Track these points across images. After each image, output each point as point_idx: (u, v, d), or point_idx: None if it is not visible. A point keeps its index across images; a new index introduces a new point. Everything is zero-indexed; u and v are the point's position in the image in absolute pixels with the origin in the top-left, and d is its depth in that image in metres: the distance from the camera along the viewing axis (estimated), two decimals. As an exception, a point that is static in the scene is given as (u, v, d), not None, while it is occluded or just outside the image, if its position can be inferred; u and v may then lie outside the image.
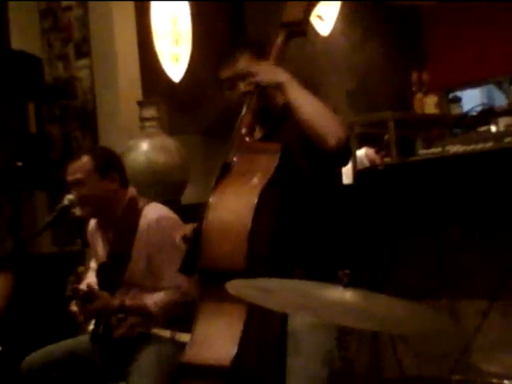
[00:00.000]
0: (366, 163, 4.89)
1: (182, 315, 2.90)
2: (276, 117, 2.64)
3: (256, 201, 2.35)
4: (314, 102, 2.47)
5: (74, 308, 2.99)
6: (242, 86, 2.63)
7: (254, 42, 2.80)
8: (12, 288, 3.64)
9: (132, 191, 3.12)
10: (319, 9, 4.93)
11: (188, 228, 2.54)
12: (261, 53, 2.67)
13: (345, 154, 2.49)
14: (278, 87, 2.51)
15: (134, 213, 3.03)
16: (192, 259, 2.45)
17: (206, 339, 2.36)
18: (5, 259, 3.57)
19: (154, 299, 2.93)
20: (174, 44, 4.78)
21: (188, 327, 2.41)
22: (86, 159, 3.01)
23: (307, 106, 2.46)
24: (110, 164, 3.05)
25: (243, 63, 2.65)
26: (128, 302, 2.92)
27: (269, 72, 2.55)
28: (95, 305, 2.87)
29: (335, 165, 2.59)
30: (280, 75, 2.52)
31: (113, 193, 3.02)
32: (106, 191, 3.00)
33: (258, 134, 2.70)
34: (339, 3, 5.30)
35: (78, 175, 2.99)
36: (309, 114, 2.44)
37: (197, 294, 2.61)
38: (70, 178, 3.01)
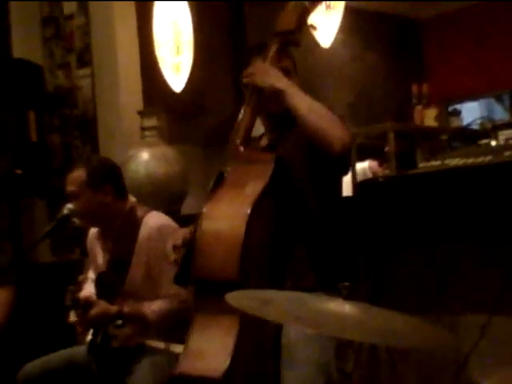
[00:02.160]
0: (369, 175, 4.89)
1: (179, 324, 2.90)
2: (284, 124, 2.63)
3: (249, 211, 2.34)
4: (317, 107, 2.46)
5: (72, 318, 2.99)
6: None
7: None
8: (13, 302, 3.64)
9: (132, 201, 3.12)
10: (315, 18, 4.94)
11: (181, 234, 2.53)
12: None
13: (348, 159, 2.50)
14: (278, 94, 2.50)
15: (134, 222, 3.03)
16: (186, 269, 2.44)
17: (199, 350, 2.35)
18: (4, 269, 3.57)
19: (152, 307, 2.94)
20: (176, 53, 4.79)
21: (184, 337, 2.41)
22: (79, 172, 3.02)
23: (311, 112, 2.44)
24: (104, 177, 3.03)
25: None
26: (126, 309, 2.93)
27: (265, 76, 2.54)
28: (93, 312, 2.87)
29: (337, 171, 2.58)
30: (279, 81, 2.51)
31: (107, 205, 3.02)
32: (99, 204, 3.00)
33: (264, 141, 2.71)
34: (341, 13, 5.30)
35: (73, 188, 3.01)
36: (313, 121, 2.42)
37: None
38: (67, 189, 3.03)
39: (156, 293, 2.96)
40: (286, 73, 2.60)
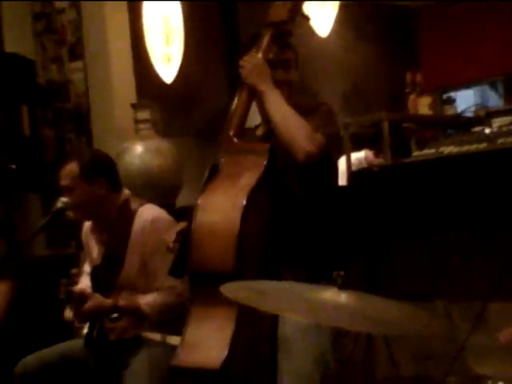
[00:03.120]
0: (365, 166, 4.88)
1: (175, 316, 2.90)
2: None
3: (244, 202, 2.34)
4: (290, 116, 2.50)
5: (68, 315, 2.99)
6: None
7: None
8: (12, 296, 3.64)
9: (126, 193, 3.11)
10: (312, 8, 4.93)
11: (180, 226, 2.53)
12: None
13: (319, 163, 2.50)
14: (257, 94, 2.55)
15: (129, 214, 3.02)
16: (181, 261, 2.44)
17: (197, 342, 2.35)
18: (1, 264, 3.57)
19: (147, 300, 2.93)
20: (166, 44, 4.77)
21: (180, 329, 2.41)
22: (72, 166, 3.01)
23: (282, 120, 2.50)
24: (97, 169, 3.02)
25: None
26: (121, 302, 2.92)
27: (252, 73, 2.56)
28: (88, 305, 2.87)
29: (313, 171, 2.57)
30: (262, 83, 2.54)
31: (102, 198, 3.01)
32: (94, 197, 2.99)
33: (260, 131, 2.71)
34: (337, 4, 5.29)
35: (66, 182, 3.00)
36: (282, 129, 2.49)
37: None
38: (61, 183, 3.02)
39: (151, 285, 2.96)
40: (287, 65, 2.61)
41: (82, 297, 2.88)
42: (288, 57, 2.65)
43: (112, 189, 3.05)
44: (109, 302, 2.91)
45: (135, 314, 2.94)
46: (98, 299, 2.90)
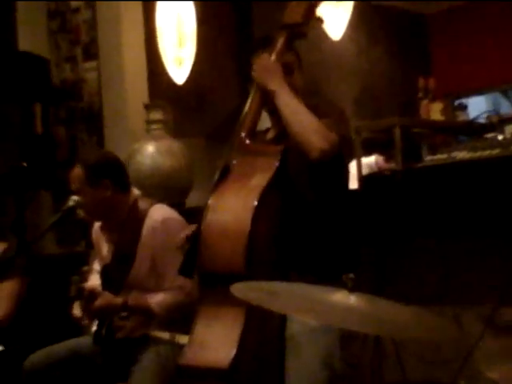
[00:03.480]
0: (376, 170, 4.87)
1: (184, 316, 2.91)
2: None
3: (255, 203, 2.34)
4: (302, 113, 2.48)
5: (76, 311, 3.00)
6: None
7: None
8: (22, 293, 3.66)
9: (136, 193, 3.12)
10: (324, 11, 4.92)
11: (191, 229, 2.54)
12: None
13: (332, 162, 2.49)
14: (269, 94, 2.53)
15: (139, 214, 3.03)
16: (191, 261, 2.45)
17: (205, 341, 2.35)
18: (9, 260, 3.59)
19: (156, 299, 2.94)
20: (178, 45, 4.78)
21: (188, 328, 2.41)
22: (77, 170, 3.03)
23: (295, 118, 2.48)
24: (101, 172, 3.03)
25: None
26: (131, 301, 2.93)
27: (264, 74, 2.55)
28: (98, 303, 2.88)
29: (325, 171, 2.57)
30: (272, 82, 2.53)
31: (109, 199, 3.02)
32: (100, 199, 3.01)
33: (271, 133, 2.71)
34: (351, 6, 5.27)
35: (75, 185, 3.03)
36: (295, 127, 2.47)
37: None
38: (71, 187, 3.06)
39: (161, 285, 2.97)
40: (289, 69, 2.61)
41: (93, 294, 2.89)
42: (289, 60, 2.63)
43: (119, 190, 3.05)
44: (119, 300, 2.92)
45: (145, 313, 2.95)
46: (107, 297, 2.92)
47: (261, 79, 2.55)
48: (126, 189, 3.09)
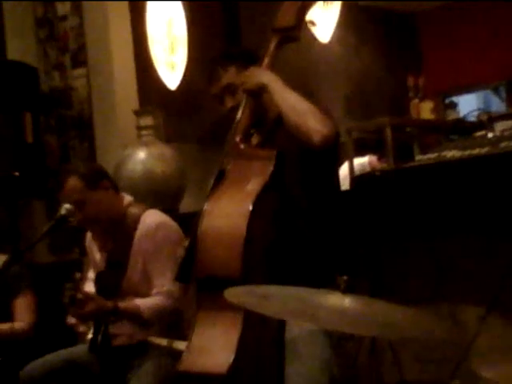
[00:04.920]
0: (368, 170, 4.89)
1: (170, 321, 2.92)
2: (273, 122, 2.63)
3: (251, 207, 2.34)
4: (298, 100, 2.46)
5: (71, 320, 2.99)
6: (229, 101, 2.64)
7: (240, 53, 2.78)
8: (37, 301, 3.75)
9: (128, 199, 3.12)
10: (313, 14, 4.93)
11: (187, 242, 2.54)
12: (249, 62, 2.66)
13: (334, 149, 2.49)
14: (262, 89, 2.51)
15: (132, 220, 3.04)
16: (188, 267, 2.45)
17: (203, 347, 2.35)
18: (17, 274, 3.63)
19: (147, 304, 2.94)
20: (170, 51, 4.78)
21: (175, 334, 2.41)
22: (72, 181, 3.02)
23: (290, 104, 2.45)
24: (96, 175, 3.07)
25: (228, 78, 2.66)
26: (121, 304, 2.92)
27: (251, 76, 2.55)
28: (89, 308, 2.86)
29: (325, 163, 2.56)
30: (262, 76, 2.52)
31: (111, 199, 3.06)
32: (104, 200, 3.03)
33: (255, 140, 2.70)
34: (338, 9, 5.29)
35: (74, 198, 2.99)
36: (292, 113, 2.44)
37: (187, 302, 2.64)
38: (68, 202, 3.01)
39: (150, 290, 2.97)
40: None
41: (84, 299, 2.88)
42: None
43: (115, 191, 3.10)
44: (109, 304, 2.91)
45: (135, 317, 2.94)
46: (98, 301, 2.91)
47: (251, 81, 2.55)
48: (118, 191, 3.12)
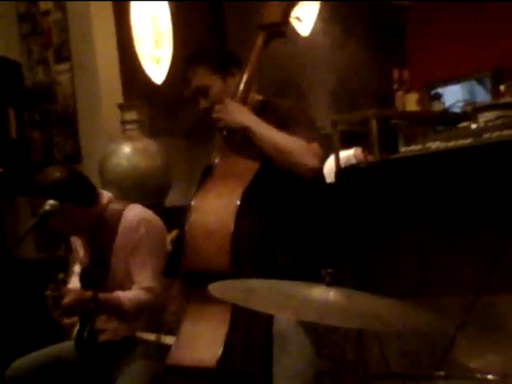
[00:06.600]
0: (353, 163, 4.90)
1: (154, 317, 2.91)
2: (255, 113, 2.63)
3: (238, 202, 2.36)
4: (280, 138, 2.48)
5: (55, 313, 2.97)
6: (202, 103, 2.64)
7: (209, 54, 2.77)
8: None
9: (108, 196, 3.10)
10: (298, 9, 4.93)
11: (172, 235, 2.55)
12: (220, 62, 2.66)
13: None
14: (243, 130, 2.53)
15: (113, 217, 3.02)
16: (175, 262, 2.45)
17: (192, 341, 2.36)
18: None
19: (128, 296, 2.92)
20: (155, 46, 4.77)
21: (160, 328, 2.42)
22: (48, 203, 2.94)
23: (273, 144, 2.47)
24: (61, 196, 2.94)
25: (197, 80, 2.64)
26: (102, 295, 2.89)
27: (230, 114, 2.54)
28: (68, 299, 2.83)
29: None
30: (242, 118, 2.53)
31: (76, 218, 2.99)
32: (69, 221, 2.99)
33: (241, 135, 2.70)
34: (318, 3, 5.32)
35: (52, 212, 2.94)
36: (276, 153, 2.47)
37: (170, 297, 2.72)
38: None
39: (132, 285, 2.95)
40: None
41: (63, 292, 2.85)
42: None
43: (83, 205, 3.00)
44: (88, 293, 2.87)
45: (115, 308, 2.91)
46: (77, 291, 2.89)
47: (231, 120, 2.54)
48: (91, 202, 3.03)
